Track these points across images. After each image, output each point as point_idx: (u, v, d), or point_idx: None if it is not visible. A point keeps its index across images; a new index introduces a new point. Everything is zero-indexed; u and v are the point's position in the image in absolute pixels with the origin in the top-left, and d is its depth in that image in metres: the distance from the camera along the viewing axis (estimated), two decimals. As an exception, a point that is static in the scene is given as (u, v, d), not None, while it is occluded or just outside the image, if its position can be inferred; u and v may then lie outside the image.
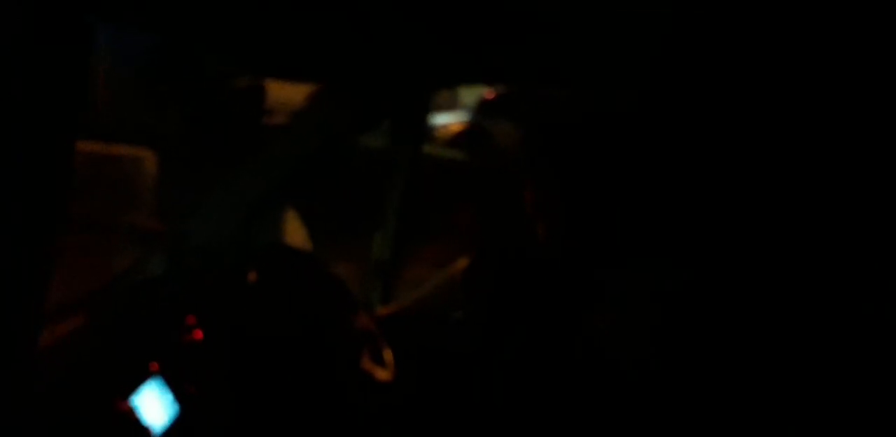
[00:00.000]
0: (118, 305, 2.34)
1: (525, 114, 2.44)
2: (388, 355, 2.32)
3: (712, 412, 1.85)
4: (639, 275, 2.01)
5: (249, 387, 2.18)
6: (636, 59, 1.86)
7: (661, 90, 1.89)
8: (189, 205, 2.61)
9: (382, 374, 2.28)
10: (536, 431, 2.03)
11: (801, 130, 1.78)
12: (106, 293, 2.46)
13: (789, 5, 1.73)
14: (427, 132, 3.86)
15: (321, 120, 2.46)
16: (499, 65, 2.09)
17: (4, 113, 1.17)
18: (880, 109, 1.75)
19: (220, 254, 2.41)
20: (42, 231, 1.25)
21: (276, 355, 2.23)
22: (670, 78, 1.85)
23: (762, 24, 1.74)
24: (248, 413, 2.15)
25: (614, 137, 2.05)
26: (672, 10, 1.78)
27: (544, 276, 2.15)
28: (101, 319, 2.23)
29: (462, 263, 2.46)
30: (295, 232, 2.69)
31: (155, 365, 2.07)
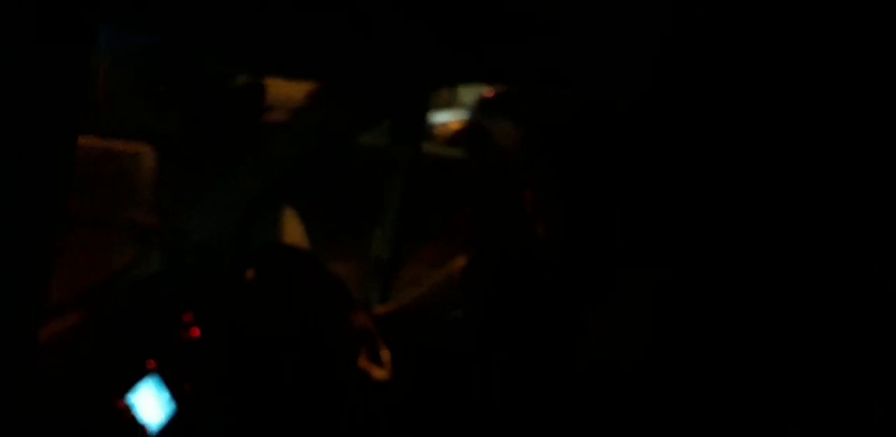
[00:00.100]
0: (116, 302, 2.34)
1: (525, 113, 2.44)
2: (385, 354, 2.32)
3: (712, 411, 1.85)
4: (639, 275, 2.01)
5: (246, 385, 2.18)
6: (636, 59, 1.86)
7: (661, 90, 1.89)
8: (188, 203, 2.61)
9: (380, 373, 2.28)
10: (535, 430, 2.03)
11: (800, 130, 1.78)
12: (104, 290, 2.46)
13: (789, 5, 1.73)
14: (426, 131, 3.87)
15: (320, 119, 2.46)
16: (498, 64, 2.09)
17: (4, 112, 1.17)
18: (880, 109, 1.75)
19: (218, 252, 2.41)
20: (42, 231, 1.25)
21: (274, 354, 2.23)
22: (670, 78, 1.85)
23: (762, 25, 1.74)
24: (245, 412, 2.15)
25: (614, 137, 2.05)
26: (672, 10, 1.78)
27: (543, 275, 2.15)
28: (98, 316, 2.23)
29: (461, 262, 2.46)
30: (293, 231, 2.69)
31: (152, 363, 2.07)
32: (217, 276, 2.38)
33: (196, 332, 2.18)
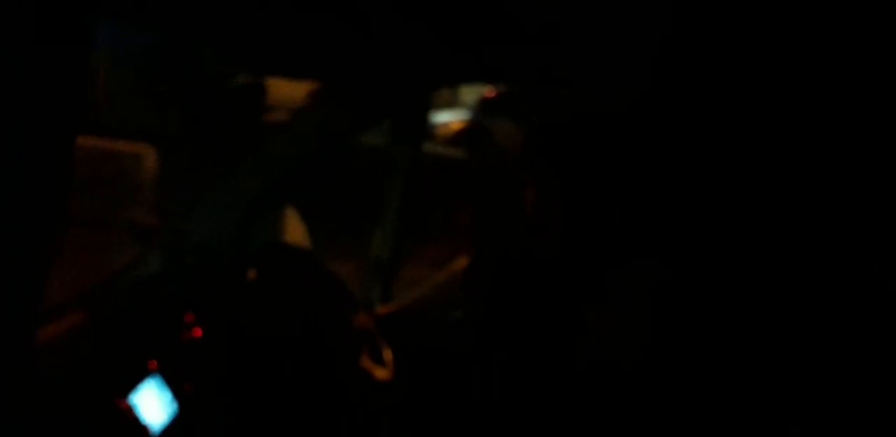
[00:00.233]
0: (117, 302, 2.34)
1: (525, 113, 2.44)
2: (387, 353, 2.32)
3: (712, 411, 1.85)
4: (639, 275, 2.01)
5: (248, 385, 2.18)
6: (636, 60, 1.86)
7: (661, 90, 1.89)
8: (188, 203, 2.61)
9: (381, 373, 2.29)
10: (535, 430, 2.03)
11: (799, 130, 1.78)
12: (105, 290, 2.46)
13: (788, 5, 1.73)
14: (427, 131, 3.87)
15: (320, 119, 2.46)
16: (499, 64, 2.09)
17: (4, 112, 1.17)
18: (879, 109, 1.75)
19: (218, 252, 2.41)
20: (41, 230, 1.25)
21: (275, 354, 2.23)
22: (669, 78, 1.85)
23: (761, 24, 1.74)
24: (247, 411, 2.15)
25: (614, 138, 2.05)
26: (671, 10, 1.78)
27: (544, 275, 2.15)
28: (99, 316, 2.22)
29: (461, 262, 2.46)
30: (294, 230, 2.69)
31: (154, 363, 2.07)
32: (218, 276, 2.38)
33: (197, 332, 2.18)
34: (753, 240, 1.84)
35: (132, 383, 2.00)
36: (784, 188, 1.82)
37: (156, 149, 4.90)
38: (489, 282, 2.28)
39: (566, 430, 2.00)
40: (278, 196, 2.55)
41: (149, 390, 2.02)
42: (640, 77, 1.91)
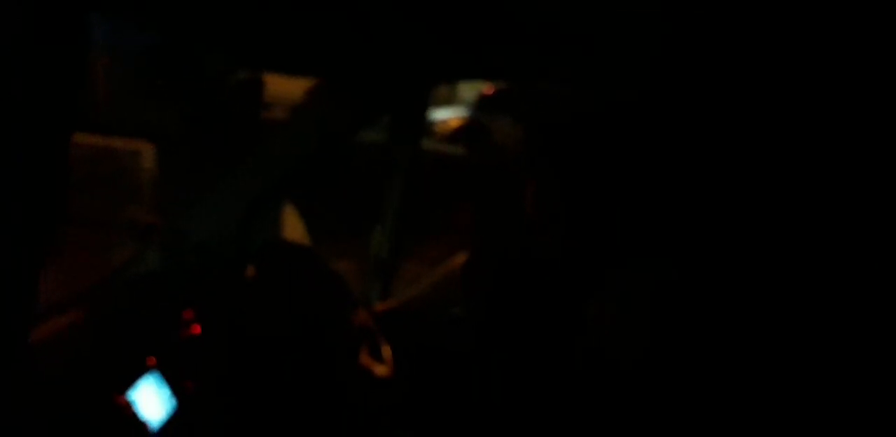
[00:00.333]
0: (116, 299, 2.34)
1: (525, 113, 2.44)
2: (386, 351, 2.32)
3: (712, 411, 1.85)
4: (639, 274, 2.01)
5: (247, 382, 2.18)
6: (636, 59, 1.86)
7: (661, 89, 1.89)
8: (188, 201, 2.61)
9: (381, 370, 2.29)
10: (535, 430, 2.03)
11: (799, 130, 1.78)
12: (104, 288, 2.46)
13: (788, 5, 1.73)
14: (426, 128, 3.86)
15: (319, 116, 2.46)
16: (498, 61, 2.09)
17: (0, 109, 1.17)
18: (879, 107, 1.75)
19: (218, 251, 2.41)
20: (37, 228, 1.25)
21: (275, 351, 2.23)
22: (670, 78, 1.85)
23: (761, 24, 1.74)
24: (246, 409, 2.15)
25: (614, 137, 2.05)
26: (672, 9, 1.78)
27: (543, 274, 2.15)
28: (99, 313, 2.22)
29: (460, 260, 2.46)
30: (294, 228, 2.69)
31: (152, 360, 2.07)
32: (217, 273, 2.38)
33: (197, 329, 2.18)
34: (753, 240, 1.84)
35: (131, 379, 2.00)
36: (783, 187, 1.82)
37: (156, 147, 4.90)
38: (488, 280, 2.28)
39: (566, 429, 2.00)
40: (278, 195, 2.55)
41: (147, 386, 2.02)
42: (640, 77, 1.91)
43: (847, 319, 1.77)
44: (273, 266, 2.37)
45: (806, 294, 1.79)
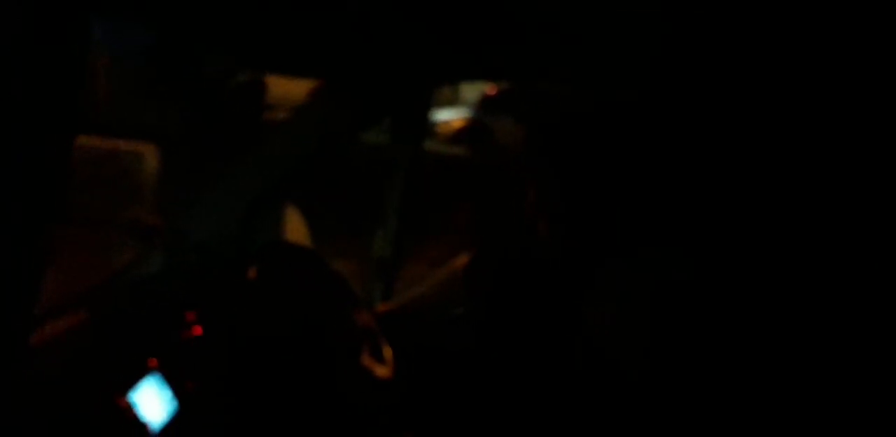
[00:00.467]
0: (118, 301, 2.34)
1: (526, 113, 2.44)
2: (387, 352, 2.32)
3: (712, 411, 1.85)
4: (639, 272, 2.01)
5: (248, 384, 2.18)
6: (636, 59, 1.86)
7: (661, 88, 1.89)
8: (189, 202, 2.61)
9: (382, 371, 2.28)
10: (535, 430, 2.03)
11: (798, 127, 1.78)
12: (105, 289, 2.46)
13: (788, 5, 1.73)
14: (428, 129, 3.86)
15: (321, 118, 2.46)
16: (500, 62, 2.09)
17: (1, 110, 1.17)
18: (879, 106, 1.75)
19: (219, 251, 2.41)
20: (38, 229, 1.25)
21: (276, 352, 2.23)
22: (670, 78, 1.85)
23: (761, 24, 1.74)
24: (247, 410, 2.15)
25: (614, 135, 2.05)
26: (671, 9, 1.78)
27: (544, 273, 2.15)
28: (100, 314, 2.22)
29: (462, 260, 2.46)
30: (296, 229, 2.69)
31: (154, 361, 2.07)
32: (219, 274, 2.38)
33: (198, 330, 2.18)
34: (753, 239, 1.84)
35: (132, 380, 2.00)
36: (782, 187, 1.82)
37: (157, 148, 4.89)
38: (490, 281, 2.28)
39: (566, 429, 2.00)
40: (279, 195, 2.55)
41: (149, 388, 2.02)
42: (640, 77, 1.91)
43: (846, 318, 1.76)
44: (274, 267, 2.37)
45: (805, 293, 1.79)
